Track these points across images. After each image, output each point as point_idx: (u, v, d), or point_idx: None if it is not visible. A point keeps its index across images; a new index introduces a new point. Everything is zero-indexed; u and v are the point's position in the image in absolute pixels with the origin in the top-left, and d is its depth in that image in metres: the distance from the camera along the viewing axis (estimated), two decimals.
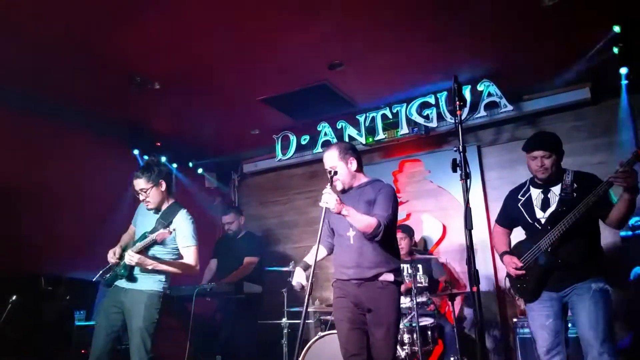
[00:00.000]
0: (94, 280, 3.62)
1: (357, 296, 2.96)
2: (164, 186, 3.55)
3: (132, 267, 3.40)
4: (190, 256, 3.46)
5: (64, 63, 4.10)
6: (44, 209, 4.66)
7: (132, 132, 5.53)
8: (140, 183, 3.49)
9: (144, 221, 3.59)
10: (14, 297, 4.10)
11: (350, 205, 2.93)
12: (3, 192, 4.35)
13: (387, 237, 2.97)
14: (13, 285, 4.23)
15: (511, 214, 3.33)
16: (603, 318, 2.84)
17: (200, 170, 6.54)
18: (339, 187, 3.15)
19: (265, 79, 4.63)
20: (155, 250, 3.47)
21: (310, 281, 2.82)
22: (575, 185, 3.03)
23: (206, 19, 3.62)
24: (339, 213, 2.83)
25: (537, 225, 3.11)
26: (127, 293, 3.42)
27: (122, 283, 3.46)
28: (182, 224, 3.48)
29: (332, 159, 3.16)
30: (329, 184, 2.94)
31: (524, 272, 3.11)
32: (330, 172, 3.07)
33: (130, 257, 3.26)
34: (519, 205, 3.27)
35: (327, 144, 5.67)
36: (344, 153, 3.15)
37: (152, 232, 3.39)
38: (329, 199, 2.80)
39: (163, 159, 5.92)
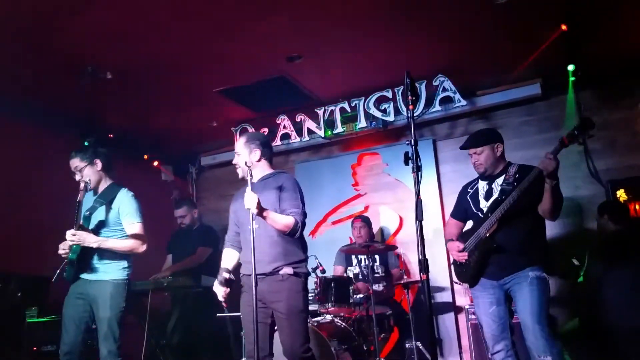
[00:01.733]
0: (53, 280, 3.49)
1: (260, 291, 2.88)
2: (99, 165, 3.44)
3: (83, 253, 3.27)
4: (136, 233, 3.37)
5: (9, 51, 3.94)
6: None
7: (83, 123, 5.37)
8: (74, 161, 3.42)
9: (85, 205, 3.43)
10: None
11: (260, 197, 2.92)
12: None
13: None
14: None
15: (462, 206, 3.46)
16: (539, 303, 2.97)
17: (155, 163, 6.42)
18: (239, 175, 3.16)
19: (223, 71, 4.59)
20: (103, 234, 3.36)
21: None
22: (517, 175, 3.14)
23: (161, 7, 3.55)
24: (260, 215, 2.82)
25: (480, 214, 3.24)
26: (92, 284, 3.34)
27: (85, 275, 3.37)
28: (125, 202, 3.39)
29: (238, 145, 3.22)
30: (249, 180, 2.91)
31: (466, 255, 3.23)
32: (234, 163, 3.17)
33: (72, 235, 3.16)
34: (467, 197, 3.41)
35: (286, 137, 5.68)
36: (250, 141, 3.18)
37: (89, 210, 3.34)
38: (251, 200, 2.77)
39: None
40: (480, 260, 3.18)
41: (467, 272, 3.27)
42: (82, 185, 3.30)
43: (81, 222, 3.24)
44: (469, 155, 3.35)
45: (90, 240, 3.22)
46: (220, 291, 3.11)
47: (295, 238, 2.99)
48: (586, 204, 4.79)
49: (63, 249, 3.32)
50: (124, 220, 3.39)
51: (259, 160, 3.17)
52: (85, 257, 3.32)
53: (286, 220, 2.92)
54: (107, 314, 3.27)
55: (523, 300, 3.01)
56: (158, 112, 5.36)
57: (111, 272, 3.37)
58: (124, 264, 3.42)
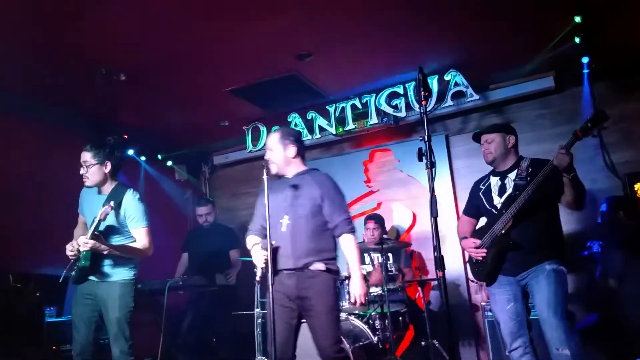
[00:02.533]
0: (60, 280, 3.52)
1: (288, 286, 2.91)
2: (108, 167, 3.39)
3: (93, 257, 3.28)
4: (142, 238, 3.36)
5: (26, 54, 3.99)
6: (10, 205, 4.55)
7: (98, 124, 5.42)
8: (86, 155, 3.36)
9: (91, 207, 3.41)
10: None
11: (293, 194, 2.98)
12: None
13: (324, 228, 3.00)
14: None
15: (475, 203, 3.42)
16: (557, 295, 2.94)
17: (169, 163, 6.47)
18: (273, 170, 3.10)
19: (234, 70, 4.60)
20: (114, 239, 3.38)
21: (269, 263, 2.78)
22: (530, 170, 3.11)
23: (172, 7, 3.56)
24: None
25: (494, 211, 3.20)
26: (100, 285, 3.37)
27: (93, 277, 3.39)
28: (132, 205, 3.37)
29: (271, 141, 3.17)
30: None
31: (484, 251, 3.17)
32: (267, 159, 3.11)
33: (85, 243, 3.16)
34: (480, 194, 3.37)
35: None
36: (284, 137, 3.13)
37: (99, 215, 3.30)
38: (360, 291, 2.96)
39: (131, 151, 5.85)
40: (496, 257, 3.14)
41: (483, 270, 3.23)
42: (104, 208, 3.21)
43: (96, 232, 3.21)
44: (481, 150, 3.34)
45: (101, 248, 3.23)
46: (261, 257, 2.93)
47: (332, 236, 3.01)
48: (602, 197, 4.73)
49: (71, 250, 3.34)
50: (130, 224, 3.38)
51: (294, 157, 3.13)
52: (94, 261, 3.32)
53: (354, 243, 3.00)
54: (117, 315, 3.30)
55: (540, 293, 2.98)
56: (170, 112, 5.39)
57: (118, 273, 3.39)
58: (131, 264, 3.45)
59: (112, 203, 3.22)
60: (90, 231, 3.19)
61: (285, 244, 2.93)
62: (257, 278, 3.02)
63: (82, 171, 3.40)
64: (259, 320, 4.48)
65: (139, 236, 3.38)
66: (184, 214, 6.59)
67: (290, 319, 2.90)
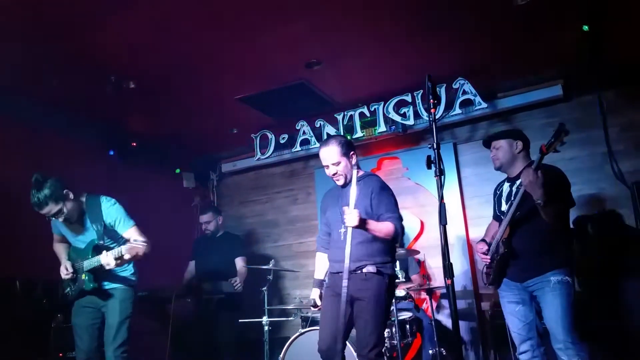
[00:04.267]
0: (60, 301, 3.59)
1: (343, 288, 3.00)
2: (70, 195, 3.35)
3: (95, 277, 3.35)
4: (137, 236, 3.34)
5: (35, 63, 4.03)
6: (17, 212, 4.57)
7: (107, 132, 5.46)
8: (50, 209, 3.28)
9: (72, 227, 3.45)
10: None
11: (347, 201, 3.00)
12: None
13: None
14: None
15: (494, 207, 3.46)
16: (563, 309, 2.93)
17: (177, 171, 6.49)
18: (341, 182, 3.20)
19: (243, 78, 4.63)
20: (109, 244, 3.40)
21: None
22: (521, 188, 3.08)
23: (181, 17, 3.60)
24: (362, 227, 2.88)
25: (502, 217, 3.22)
26: (100, 292, 3.42)
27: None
28: (112, 212, 3.40)
29: (333, 155, 3.16)
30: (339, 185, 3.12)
31: (488, 258, 3.25)
32: (335, 173, 3.17)
33: (107, 262, 3.18)
34: (495, 199, 3.43)
35: (305, 143, 5.69)
36: (345, 148, 3.17)
37: (99, 238, 3.35)
38: (352, 217, 2.83)
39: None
40: (499, 263, 3.17)
41: (490, 274, 3.28)
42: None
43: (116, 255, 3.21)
44: (490, 157, 3.39)
45: (112, 264, 3.22)
46: (316, 307, 3.32)
47: (391, 241, 3.07)
48: (611, 206, 4.70)
49: (67, 274, 3.42)
50: (119, 228, 3.41)
51: (356, 164, 3.23)
52: (97, 278, 3.40)
53: (387, 229, 2.97)
54: (117, 319, 3.35)
55: (547, 308, 2.99)
56: (179, 120, 5.42)
57: (119, 279, 3.44)
58: (130, 269, 3.49)
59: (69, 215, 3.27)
60: (112, 256, 3.18)
61: (342, 250, 3.00)
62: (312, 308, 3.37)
63: (60, 219, 3.36)
64: (267, 328, 4.47)
65: (132, 236, 3.36)
66: (192, 221, 6.60)
67: (343, 318, 2.96)
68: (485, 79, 4.81)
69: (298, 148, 5.72)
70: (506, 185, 3.34)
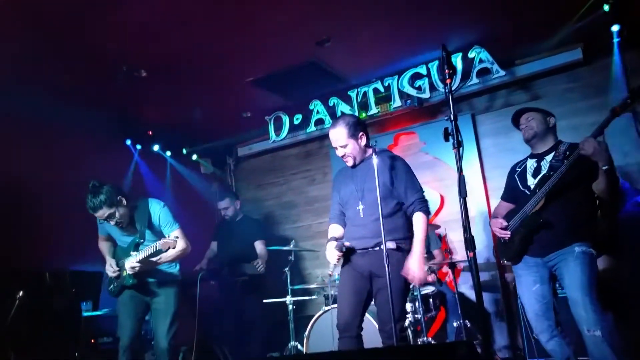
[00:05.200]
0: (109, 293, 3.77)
1: (361, 265, 3.03)
2: (124, 201, 3.56)
3: (135, 274, 3.53)
4: (181, 240, 3.56)
5: (46, 55, 4.04)
6: (43, 205, 4.66)
7: (122, 122, 5.49)
8: (102, 213, 3.48)
9: (122, 229, 3.65)
10: (21, 294, 4.15)
11: (362, 179, 3.06)
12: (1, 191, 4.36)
13: (397, 209, 3.06)
14: (19, 282, 4.27)
15: (511, 185, 3.38)
16: (586, 277, 2.88)
17: (194, 157, 6.52)
18: (350, 163, 3.15)
19: (253, 60, 4.58)
20: (148, 241, 3.56)
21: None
22: (567, 153, 3.04)
23: (189, 1, 3.56)
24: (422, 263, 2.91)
25: (527, 192, 3.16)
26: (147, 285, 3.63)
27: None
28: (160, 215, 3.62)
29: (341, 137, 3.09)
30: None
31: (508, 233, 3.18)
32: (343, 155, 3.11)
33: (132, 267, 3.45)
34: (515, 176, 3.33)
35: (320, 122, 5.65)
36: (353, 129, 3.09)
37: (141, 237, 3.55)
38: (419, 275, 2.88)
39: (156, 147, 5.92)
40: (525, 237, 3.11)
41: (510, 250, 3.21)
42: (167, 240, 3.40)
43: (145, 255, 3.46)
44: (514, 127, 3.34)
45: (149, 266, 3.50)
46: (334, 255, 3.06)
47: (405, 215, 3.07)
48: (636, 170, 4.58)
49: (113, 272, 3.62)
50: (165, 230, 3.61)
51: (366, 144, 3.15)
52: (139, 277, 3.58)
53: (424, 222, 2.99)
54: (171, 310, 3.58)
55: (570, 275, 2.93)
56: (193, 106, 5.41)
57: (162, 274, 3.64)
58: (173, 266, 3.71)
59: (172, 237, 3.42)
60: (142, 255, 3.44)
61: (361, 228, 3.03)
62: (330, 273, 3.21)
63: (112, 222, 3.55)
64: (291, 307, 4.52)
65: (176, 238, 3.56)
66: (212, 207, 6.65)
67: (362, 291, 3.01)
68: (502, 46, 4.67)
69: (312, 128, 5.68)
70: (531, 162, 3.26)
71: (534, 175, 3.17)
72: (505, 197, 3.46)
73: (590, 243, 2.97)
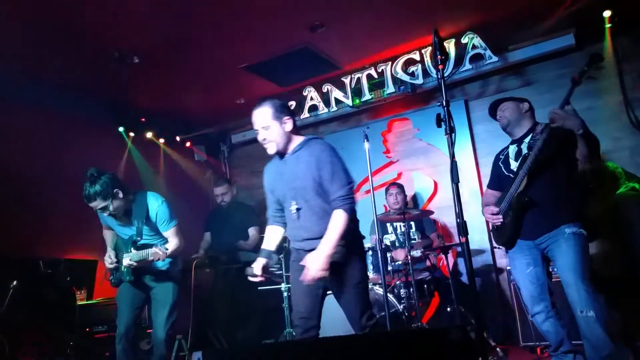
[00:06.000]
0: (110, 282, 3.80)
1: None
2: (120, 194, 3.48)
3: (133, 272, 3.57)
4: (173, 237, 3.61)
5: (37, 41, 4.00)
6: (35, 193, 4.64)
7: (115, 109, 5.46)
8: (97, 204, 3.41)
9: (119, 220, 3.63)
10: (14, 283, 4.15)
11: (292, 176, 2.83)
12: None
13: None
14: (12, 271, 4.27)
15: (496, 172, 3.45)
16: (578, 257, 2.92)
17: (188, 144, 6.50)
18: (271, 150, 2.88)
19: (245, 46, 4.55)
20: (146, 239, 3.58)
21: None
22: (543, 133, 3.07)
23: None
24: (329, 259, 2.64)
25: (512, 175, 3.20)
26: (140, 284, 3.66)
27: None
28: (158, 211, 3.57)
29: (264, 118, 2.82)
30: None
31: (500, 217, 3.23)
32: (264, 139, 2.84)
33: (129, 264, 3.46)
34: (499, 163, 3.40)
35: (314, 109, 5.63)
36: (279, 111, 2.83)
37: (138, 234, 3.51)
38: (316, 268, 2.60)
39: (149, 134, 5.89)
40: (515, 219, 3.15)
41: (503, 234, 3.25)
42: (156, 251, 3.41)
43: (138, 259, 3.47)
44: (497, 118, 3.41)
45: (146, 265, 3.52)
46: (254, 276, 2.97)
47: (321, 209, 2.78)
48: (627, 156, 4.61)
49: (111, 263, 3.66)
50: (161, 227, 3.61)
51: (292, 132, 2.89)
52: (136, 272, 3.61)
53: (342, 221, 2.68)
54: (169, 301, 3.60)
55: (561, 257, 2.97)
56: (186, 92, 5.39)
57: (158, 272, 3.67)
58: (167, 262, 3.71)
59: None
60: (135, 258, 3.45)
61: (299, 229, 2.86)
62: (250, 278, 3.03)
63: (106, 214, 3.52)
64: (286, 294, 4.54)
65: (170, 236, 3.62)
66: (206, 195, 6.64)
67: (315, 292, 2.85)
68: (495, 31, 4.66)
69: (306, 115, 5.67)
70: (512, 147, 3.33)
71: (516, 159, 3.24)
72: (491, 185, 3.52)
73: (580, 223, 3.01)
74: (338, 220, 2.69)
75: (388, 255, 4.41)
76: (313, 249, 2.73)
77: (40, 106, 4.72)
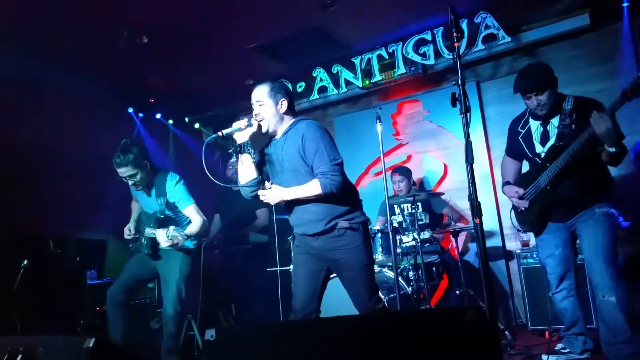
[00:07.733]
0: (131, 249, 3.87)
1: (316, 249, 2.83)
2: (148, 166, 3.62)
3: (152, 246, 3.63)
4: (193, 214, 3.66)
5: (47, 20, 3.97)
6: (46, 173, 4.65)
7: (124, 89, 5.44)
8: (126, 171, 3.52)
9: (142, 192, 3.73)
10: (25, 262, 4.18)
11: (280, 157, 2.82)
12: (3, 158, 4.34)
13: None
14: (23, 250, 4.31)
15: (515, 146, 3.29)
16: (606, 241, 2.87)
17: (197, 125, 6.47)
18: (264, 127, 2.83)
19: (255, 26, 4.50)
20: (169, 214, 3.67)
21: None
22: (574, 116, 2.95)
23: None
24: (287, 198, 2.75)
25: (537, 159, 3.10)
26: (164, 252, 3.68)
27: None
28: (175, 191, 3.65)
29: (261, 94, 2.83)
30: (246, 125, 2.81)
31: (526, 203, 3.12)
32: (256, 114, 2.82)
33: (165, 242, 3.45)
34: (519, 138, 3.23)
35: (323, 90, 5.58)
36: (276, 91, 2.83)
37: (161, 213, 3.62)
38: (271, 195, 2.74)
39: (158, 115, 5.87)
40: (543, 211, 3.07)
41: (530, 222, 3.17)
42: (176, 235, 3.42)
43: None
44: (524, 98, 3.09)
45: (164, 245, 3.50)
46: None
47: (336, 194, 2.72)
48: None
49: (128, 235, 3.76)
50: (180, 206, 3.68)
51: (286, 113, 2.85)
52: (154, 246, 3.66)
53: (312, 189, 2.69)
54: (177, 276, 3.63)
55: (588, 238, 2.93)
56: (195, 73, 5.35)
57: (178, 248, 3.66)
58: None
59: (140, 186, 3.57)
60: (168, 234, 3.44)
61: (298, 212, 2.85)
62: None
63: (130, 182, 3.62)
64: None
65: (190, 213, 3.67)
66: (215, 176, 6.63)
67: (317, 275, 2.85)
68: (508, 11, 4.59)
69: (316, 96, 5.62)
70: (535, 124, 3.15)
71: (542, 142, 3.10)
72: (510, 154, 3.37)
73: (610, 202, 2.94)
74: (310, 186, 2.72)
75: (398, 237, 4.39)
76: (316, 233, 2.77)
77: (48, 86, 4.71)
